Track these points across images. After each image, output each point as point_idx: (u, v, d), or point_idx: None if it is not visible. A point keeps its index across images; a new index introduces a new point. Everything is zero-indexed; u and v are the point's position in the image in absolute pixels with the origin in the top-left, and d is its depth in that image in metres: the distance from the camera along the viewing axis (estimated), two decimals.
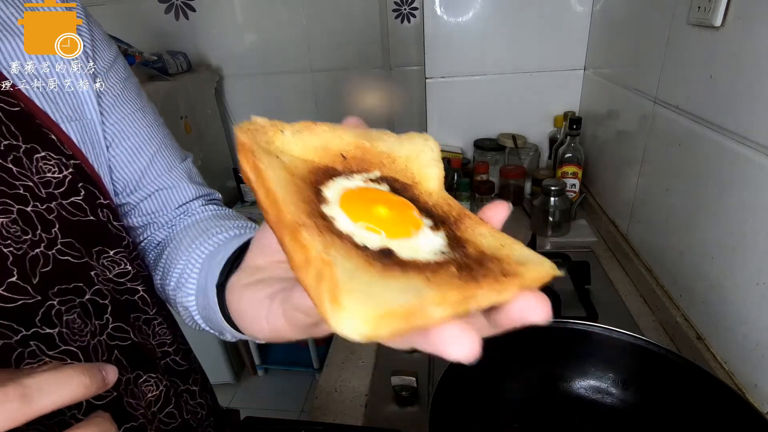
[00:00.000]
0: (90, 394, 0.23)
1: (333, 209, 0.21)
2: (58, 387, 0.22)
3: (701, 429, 0.53)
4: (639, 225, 0.95)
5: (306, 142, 0.23)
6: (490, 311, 0.19)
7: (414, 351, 0.19)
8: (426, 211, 0.23)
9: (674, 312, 0.78)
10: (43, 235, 0.37)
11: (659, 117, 0.83)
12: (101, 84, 0.46)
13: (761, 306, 0.59)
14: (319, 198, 0.21)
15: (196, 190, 0.53)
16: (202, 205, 0.54)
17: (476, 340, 0.17)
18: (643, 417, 0.58)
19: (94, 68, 0.45)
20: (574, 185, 1.17)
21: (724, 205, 0.65)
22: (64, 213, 0.39)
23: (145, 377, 0.45)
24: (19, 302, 0.35)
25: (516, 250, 0.21)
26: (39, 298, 0.36)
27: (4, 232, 0.34)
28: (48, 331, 0.36)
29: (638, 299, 0.89)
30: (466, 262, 0.20)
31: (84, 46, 0.44)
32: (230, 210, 0.55)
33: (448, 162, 1.28)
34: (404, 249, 0.20)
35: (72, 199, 0.40)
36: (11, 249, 0.34)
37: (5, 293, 0.34)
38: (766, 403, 0.59)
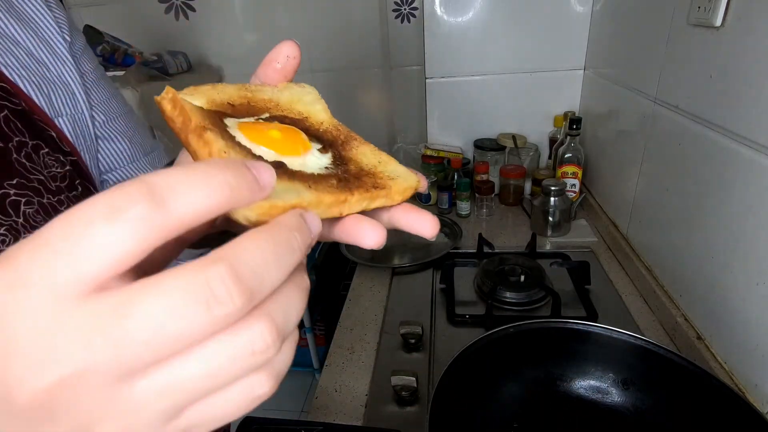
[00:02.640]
0: (238, 200, 0.16)
1: (233, 131, 0.23)
2: (194, 186, 0.15)
3: (701, 429, 0.53)
4: (639, 225, 0.95)
5: (195, 101, 0.25)
6: (379, 213, 0.24)
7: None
8: (316, 136, 0.27)
9: (674, 312, 0.78)
10: None
11: (659, 117, 0.83)
12: (81, 69, 0.46)
13: (761, 306, 0.59)
14: (221, 124, 0.24)
15: None
16: None
17: (383, 231, 0.22)
18: (643, 417, 0.58)
19: (73, 52, 0.45)
20: (574, 185, 1.17)
21: (724, 205, 0.65)
22: (71, 206, 0.39)
23: None
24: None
25: (390, 166, 0.26)
26: None
27: (31, 221, 0.35)
28: None
29: (638, 299, 0.89)
30: (345, 177, 0.24)
31: (61, 28, 0.44)
32: None
33: (448, 162, 1.28)
34: (294, 164, 0.23)
35: (72, 194, 0.41)
36: None
37: None
38: (766, 403, 0.59)
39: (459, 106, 1.33)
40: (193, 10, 1.58)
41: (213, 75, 1.63)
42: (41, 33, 0.43)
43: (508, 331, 0.59)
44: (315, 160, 0.25)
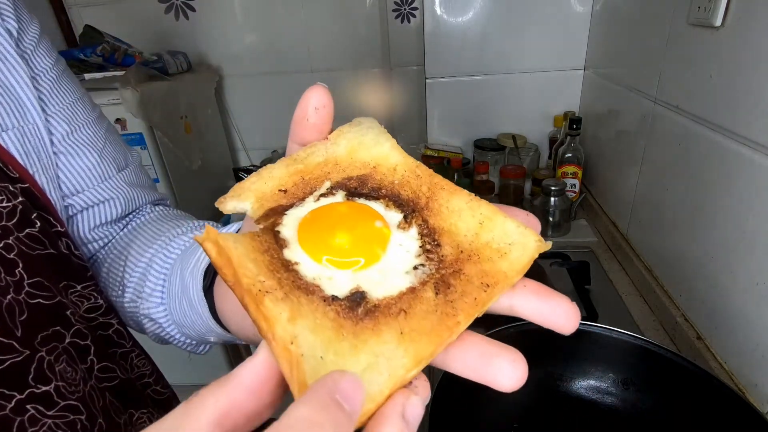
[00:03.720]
0: None
1: (294, 252, 0.20)
2: None
3: (701, 429, 0.53)
4: (639, 225, 0.95)
5: (243, 202, 0.22)
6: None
7: None
8: (393, 197, 0.22)
9: (674, 312, 0.78)
10: (8, 278, 0.30)
11: (659, 117, 0.83)
12: (34, 69, 0.37)
13: (761, 306, 0.59)
14: (278, 241, 0.20)
15: (131, 201, 0.45)
16: (151, 207, 0.48)
17: (523, 364, 0.17)
18: (643, 417, 0.58)
19: (22, 47, 0.36)
20: (574, 185, 1.17)
21: (724, 205, 0.65)
22: (24, 248, 0.32)
23: (137, 415, 0.40)
24: (7, 363, 0.29)
25: (497, 227, 0.20)
26: (28, 352, 0.30)
27: None
28: (44, 388, 0.30)
29: (638, 299, 0.89)
30: (442, 277, 0.19)
31: (1, 14, 0.35)
32: (177, 210, 0.49)
33: (448, 162, 1.28)
34: (375, 281, 0.19)
35: (27, 231, 0.33)
36: None
37: None
38: (766, 403, 0.59)
39: (459, 106, 1.33)
40: (193, 10, 1.58)
41: (213, 75, 1.63)
42: None
43: (508, 331, 0.59)
44: (399, 257, 0.20)
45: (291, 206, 0.22)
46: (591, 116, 1.20)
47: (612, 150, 1.08)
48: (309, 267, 0.19)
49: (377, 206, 0.22)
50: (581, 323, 0.60)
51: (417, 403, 0.16)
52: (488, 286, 0.18)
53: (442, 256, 0.20)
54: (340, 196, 0.22)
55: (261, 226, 0.21)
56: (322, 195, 0.22)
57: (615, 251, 1.04)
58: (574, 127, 1.11)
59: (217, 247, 0.18)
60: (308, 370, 0.16)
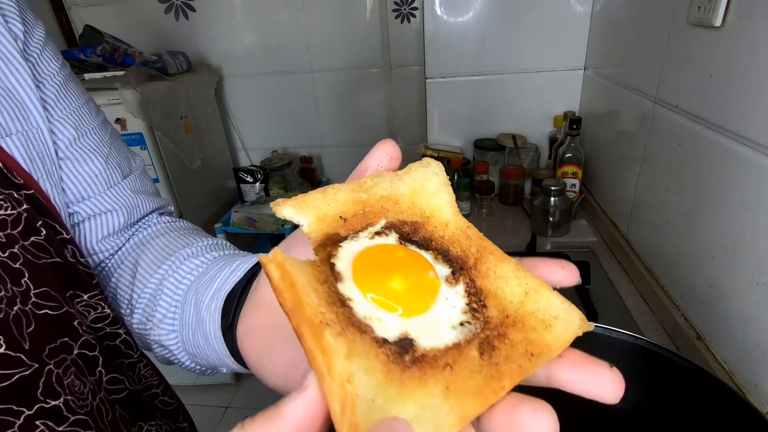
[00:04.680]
0: None
1: (348, 287, 0.20)
2: None
3: (701, 429, 0.53)
4: (639, 225, 0.95)
5: (303, 215, 0.22)
6: None
7: None
8: (442, 251, 0.22)
9: (674, 312, 0.78)
10: (14, 288, 0.30)
11: (659, 117, 0.83)
12: (40, 74, 0.36)
13: (761, 306, 0.59)
14: (334, 274, 0.20)
15: (136, 209, 0.44)
16: (156, 216, 0.47)
17: (554, 419, 0.17)
18: (643, 417, 0.58)
19: (27, 52, 0.36)
20: (574, 185, 1.17)
21: (724, 205, 0.65)
22: (30, 257, 0.31)
23: (146, 427, 0.39)
24: (15, 377, 0.28)
25: (542, 299, 0.20)
26: (36, 365, 0.29)
27: None
28: (53, 403, 0.29)
29: (638, 299, 0.89)
30: (488, 338, 0.19)
31: (5, 17, 0.34)
32: (184, 221, 0.48)
33: (448, 162, 1.28)
34: (423, 329, 0.19)
35: (33, 239, 0.32)
36: None
37: None
38: (766, 403, 0.59)
39: (459, 106, 1.33)
40: (193, 10, 1.58)
41: (213, 75, 1.64)
42: None
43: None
44: (446, 311, 0.20)
45: (346, 238, 0.22)
46: (591, 116, 1.20)
47: (612, 150, 1.09)
48: (361, 305, 0.19)
49: (427, 256, 0.22)
50: None
51: None
52: (533, 355, 0.18)
53: (488, 317, 0.20)
54: (393, 238, 0.23)
55: (317, 256, 0.21)
56: (377, 233, 0.22)
57: (615, 251, 1.04)
58: (574, 127, 1.12)
59: (282, 270, 0.17)
60: (359, 411, 0.15)
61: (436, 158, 1.32)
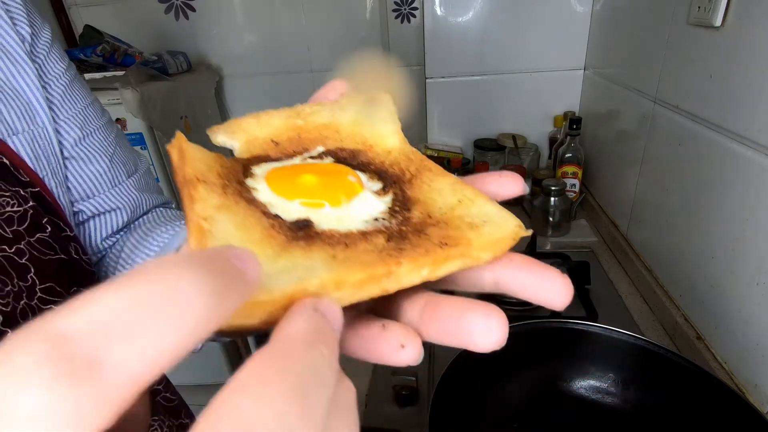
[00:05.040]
0: (209, 325, 0.10)
1: (257, 182, 0.19)
2: (134, 334, 0.10)
3: (701, 429, 0.53)
4: (639, 225, 0.95)
5: (234, 140, 0.21)
6: (479, 274, 0.17)
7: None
8: (379, 172, 0.21)
9: (674, 312, 0.78)
10: (21, 284, 0.30)
11: (659, 117, 0.83)
12: (47, 75, 0.37)
13: (761, 306, 0.59)
14: (245, 170, 0.19)
15: (139, 207, 0.45)
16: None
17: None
18: (643, 417, 0.58)
19: (34, 53, 0.36)
20: (574, 185, 1.17)
21: (724, 205, 0.65)
22: (35, 253, 0.32)
23: (149, 422, 0.39)
24: None
25: (476, 206, 0.18)
26: None
27: None
28: None
29: (638, 299, 0.89)
30: (400, 230, 0.17)
31: (13, 20, 0.35)
32: (179, 212, 0.49)
33: (448, 162, 1.28)
34: (328, 219, 0.18)
35: (38, 236, 0.32)
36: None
37: None
38: (766, 403, 0.59)
39: (459, 106, 1.33)
40: (193, 10, 1.58)
41: (213, 75, 1.64)
42: None
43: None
44: (364, 209, 0.19)
45: (277, 160, 0.21)
46: (591, 116, 1.20)
47: (612, 150, 1.08)
48: (265, 194, 0.18)
49: (362, 176, 0.21)
50: (581, 323, 0.61)
51: (331, 302, 0.13)
52: (446, 244, 0.16)
53: (408, 217, 0.18)
54: (328, 162, 0.22)
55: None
56: (312, 158, 0.21)
57: (615, 251, 1.04)
58: (574, 127, 1.12)
59: (180, 151, 0.17)
60: (209, 246, 0.14)
61: (436, 158, 1.33)
